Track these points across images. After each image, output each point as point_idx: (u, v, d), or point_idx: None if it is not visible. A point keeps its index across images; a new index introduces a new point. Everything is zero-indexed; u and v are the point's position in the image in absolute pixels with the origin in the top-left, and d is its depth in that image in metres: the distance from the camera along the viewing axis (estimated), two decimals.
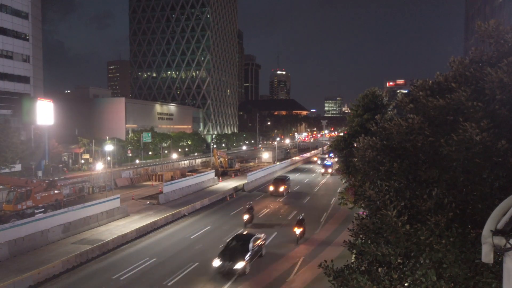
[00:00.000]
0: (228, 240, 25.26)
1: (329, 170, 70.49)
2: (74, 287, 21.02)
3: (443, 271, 6.84)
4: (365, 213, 9.16)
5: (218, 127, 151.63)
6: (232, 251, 23.02)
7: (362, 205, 8.98)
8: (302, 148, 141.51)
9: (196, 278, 21.98)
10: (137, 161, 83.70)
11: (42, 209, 34.93)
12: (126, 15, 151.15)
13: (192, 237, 30.62)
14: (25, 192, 34.28)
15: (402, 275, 7.31)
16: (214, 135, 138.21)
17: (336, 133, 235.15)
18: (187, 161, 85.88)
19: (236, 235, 26.64)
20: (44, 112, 63.54)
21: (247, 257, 22.58)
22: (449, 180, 7.64)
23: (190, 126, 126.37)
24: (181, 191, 48.15)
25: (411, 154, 8.48)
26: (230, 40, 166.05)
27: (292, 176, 63.38)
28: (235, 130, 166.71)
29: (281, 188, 48.04)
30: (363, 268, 8.11)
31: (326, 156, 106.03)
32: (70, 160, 72.41)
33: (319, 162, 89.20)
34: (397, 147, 8.77)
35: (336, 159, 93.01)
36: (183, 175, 62.62)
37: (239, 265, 21.88)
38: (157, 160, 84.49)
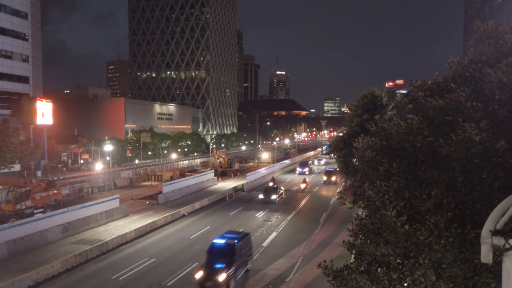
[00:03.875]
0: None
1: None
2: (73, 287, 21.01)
3: (442, 271, 6.84)
4: (364, 213, 9.16)
5: (218, 127, 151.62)
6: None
7: (362, 205, 8.98)
8: (302, 148, 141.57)
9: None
10: (137, 161, 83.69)
11: (41, 209, 34.89)
12: (126, 15, 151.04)
13: (191, 237, 30.60)
14: (24, 192, 34.23)
15: (401, 275, 7.32)
16: (213, 135, 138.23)
17: (335, 133, 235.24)
18: (187, 161, 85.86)
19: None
20: (43, 112, 63.49)
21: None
22: (448, 180, 7.65)
23: (189, 126, 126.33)
24: (180, 191, 48.11)
25: (410, 154, 8.49)
26: (230, 40, 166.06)
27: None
28: (235, 130, 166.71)
29: None
30: (362, 268, 8.12)
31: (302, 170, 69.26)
32: (70, 160, 72.36)
33: (260, 196, 44.74)
34: (396, 147, 8.78)
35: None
36: (182, 175, 62.59)
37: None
38: (157, 160, 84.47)
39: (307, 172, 69.93)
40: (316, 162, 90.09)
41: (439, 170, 7.84)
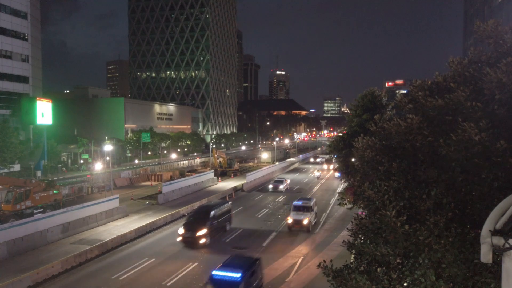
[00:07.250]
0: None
1: None
2: (73, 287, 21.00)
3: (442, 271, 6.84)
4: (364, 213, 9.16)
5: (217, 127, 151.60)
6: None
7: (361, 205, 8.98)
8: (301, 148, 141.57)
9: (196, 278, 21.96)
10: (136, 161, 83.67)
11: (41, 209, 34.87)
12: (127, 15, 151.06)
13: None
14: (24, 192, 34.20)
15: (401, 275, 7.32)
16: (213, 135, 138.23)
17: (335, 133, 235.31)
18: (186, 161, 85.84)
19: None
20: (43, 112, 63.49)
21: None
22: (448, 180, 7.65)
23: (189, 126, 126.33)
24: (180, 191, 48.10)
25: (410, 154, 8.49)
26: (229, 40, 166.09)
27: None
28: (234, 130, 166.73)
29: None
30: (362, 268, 8.11)
31: None
32: (69, 160, 72.36)
33: None
34: (396, 147, 8.78)
35: None
36: (182, 175, 62.58)
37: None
38: (156, 160, 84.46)
39: (204, 240, 27.67)
40: (270, 186, 52.39)
41: (439, 170, 7.83)
